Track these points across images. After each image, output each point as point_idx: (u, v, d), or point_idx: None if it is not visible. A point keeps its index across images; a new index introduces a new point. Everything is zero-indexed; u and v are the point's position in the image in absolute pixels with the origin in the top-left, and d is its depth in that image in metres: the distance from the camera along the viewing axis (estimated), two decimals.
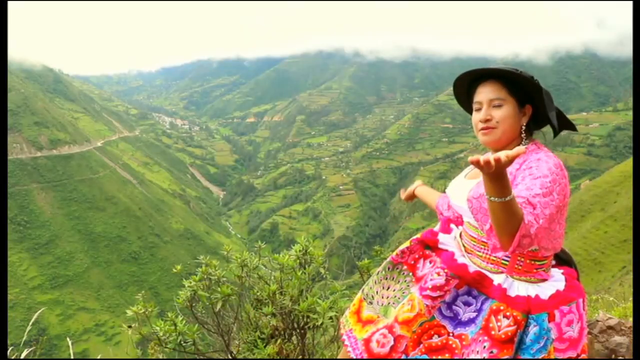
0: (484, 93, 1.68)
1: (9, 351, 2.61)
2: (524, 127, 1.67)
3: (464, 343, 1.58)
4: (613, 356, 2.61)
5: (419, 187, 2.24)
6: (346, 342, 1.81)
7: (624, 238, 33.04)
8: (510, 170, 1.55)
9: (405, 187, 2.32)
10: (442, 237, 1.84)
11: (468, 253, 1.72)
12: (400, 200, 2.33)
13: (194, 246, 76.97)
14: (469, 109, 1.83)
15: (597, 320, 2.81)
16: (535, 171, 1.50)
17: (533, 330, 1.50)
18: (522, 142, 1.66)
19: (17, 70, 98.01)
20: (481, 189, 1.58)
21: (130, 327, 2.62)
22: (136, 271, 69.53)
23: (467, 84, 1.78)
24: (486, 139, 1.68)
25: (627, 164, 45.13)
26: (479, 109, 1.70)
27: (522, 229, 1.36)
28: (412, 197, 2.26)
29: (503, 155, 1.25)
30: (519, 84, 1.65)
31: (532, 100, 1.67)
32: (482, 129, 1.68)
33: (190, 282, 2.77)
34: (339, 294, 2.76)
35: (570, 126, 1.71)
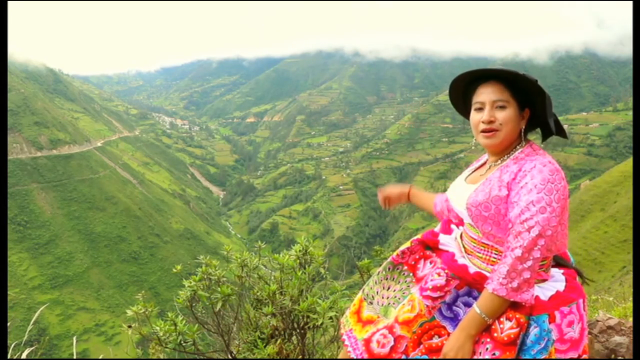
0: (487, 94, 1.63)
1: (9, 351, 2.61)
2: (523, 131, 1.65)
3: None
4: (613, 356, 2.61)
5: (412, 190, 2.13)
6: (346, 342, 1.81)
7: (624, 238, 33.04)
8: (506, 180, 1.57)
9: (384, 189, 2.12)
10: (442, 237, 1.84)
11: (468, 254, 1.71)
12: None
13: (194, 246, 76.96)
14: (462, 109, 1.80)
15: (597, 320, 2.81)
16: (530, 185, 1.50)
17: (533, 331, 1.50)
18: (520, 145, 1.65)
19: (17, 70, 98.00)
20: (479, 197, 1.60)
21: (130, 327, 2.62)
22: (136, 271, 69.51)
23: (464, 84, 1.74)
24: (488, 141, 1.64)
25: (627, 164, 45.10)
26: (479, 109, 1.66)
27: (511, 297, 1.47)
28: (399, 199, 2.13)
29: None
30: (522, 87, 1.61)
31: (532, 104, 1.64)
32: (485, 130, 1.64)
33: (190, 282, 2.77)
34: (339, 294, 2.75)
35: (562, 133, 1.66)
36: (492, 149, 1.68)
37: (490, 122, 1.62)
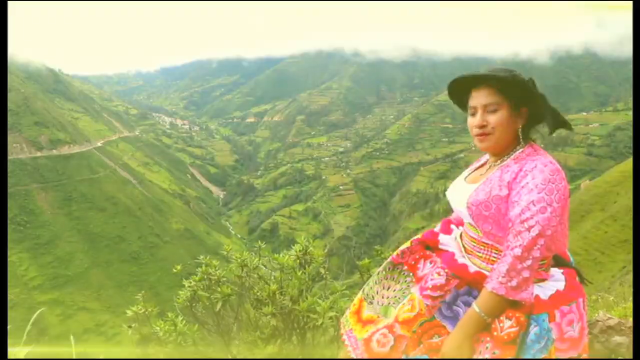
0: (478, 98, 1.65)
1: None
2: (520, 131, 1.65)
3: None
4: (613, 356, 2.61)
5: None
6: (346, 342, 1.81)
7: (624, 238, 32.99)
8: (507, 179, 1.58)
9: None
10: (442, 237, 1.84)
11: (468, 254, 1.72)
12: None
13: (194, 246, 76.88)
14: (465, 109, 1.80)
15: (597, 320, 2.81)
16: (531, 185, 1.51)
17: (533, 330, 1.50)
18: (519, 145, 1.65)
19: (17, 70, 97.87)
20: (480, 196, 1.61)
21: (130, 327, 2.62)
22: (136, 271, 69.49)
23: (459, 88, 1.74)
24: (482, 145, 1.67)
25: (627, 164, 45.06)
26: (473, 114, 1.67)
27: (510, 295, 1.47)
28: None
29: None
30: (514, 88, 1.61)
31: (528, 102, 1.64)
32: (478, 134, 1.66)
33: (190, 282, 2.77)
34: (339, 294, 2.76)
35: (566, 125, 1.67)
36: (488, 151, 1.71)
37: (483, 126, 1.64)
